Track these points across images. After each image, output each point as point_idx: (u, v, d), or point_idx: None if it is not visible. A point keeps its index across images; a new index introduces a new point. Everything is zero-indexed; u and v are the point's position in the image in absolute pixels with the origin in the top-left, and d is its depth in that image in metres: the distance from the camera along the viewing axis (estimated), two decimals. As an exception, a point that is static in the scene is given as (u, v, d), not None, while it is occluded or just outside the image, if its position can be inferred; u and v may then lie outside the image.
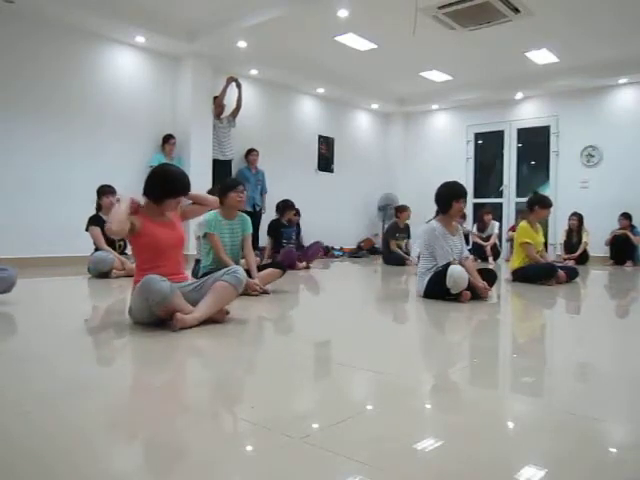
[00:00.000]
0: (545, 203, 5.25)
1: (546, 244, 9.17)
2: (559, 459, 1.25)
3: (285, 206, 7.08)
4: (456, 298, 3.73)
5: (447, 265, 3.70)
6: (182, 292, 2.70)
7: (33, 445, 1.27)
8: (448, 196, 3.93)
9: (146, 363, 2.20)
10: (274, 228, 6.98)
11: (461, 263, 3.85)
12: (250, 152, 7.93)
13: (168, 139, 7.07)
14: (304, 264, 6.63)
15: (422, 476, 1.17)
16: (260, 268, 4.18)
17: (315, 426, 1.44)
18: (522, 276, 5.12)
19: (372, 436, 1.37)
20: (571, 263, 8.07)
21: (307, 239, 8.35)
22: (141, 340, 2.49)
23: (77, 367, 2.08)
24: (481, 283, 3.82)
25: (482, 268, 4.20)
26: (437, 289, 3.75)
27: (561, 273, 5.08)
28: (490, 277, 4.08)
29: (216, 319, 2.78)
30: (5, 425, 1.41)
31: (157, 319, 2.62)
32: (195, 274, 4.30)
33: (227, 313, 2.90)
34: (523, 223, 5.21)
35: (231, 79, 7.45)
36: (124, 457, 1.27)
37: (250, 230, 4.09)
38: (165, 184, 2.75)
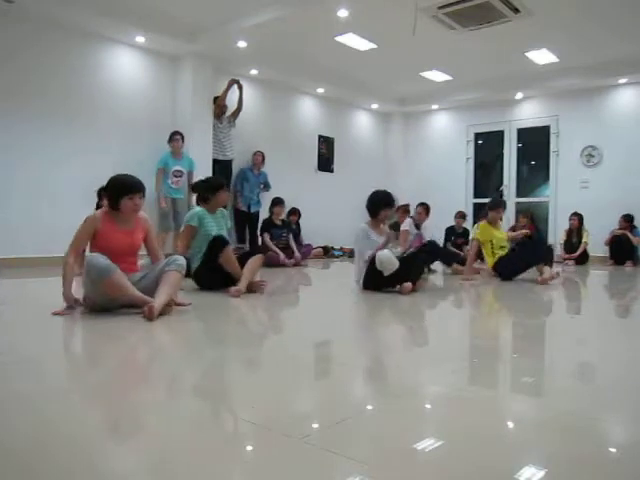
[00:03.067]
0: (491, 205, 5.67)
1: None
2: (559, 459, 1.25)
3: (272, 203, 7.31)
4: (393, 286, 4.08)
5: (374, 257, 4.05)
6: (131, 282, 2.97)
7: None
8: (378, 203, 4.31)
9: (143, 362, 2.20)
10: (265, 228, 7.10)
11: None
12: (255, 153, 7.97)
13: (172, 136, 6.86)
14: (292, 261, 6.90)
15: (422, 476, 1.17)
16: (241, 262, 4.09)
17: (315, 426, 1.44)
18: (505, 271, 5.40)
19: (372, 436, 1.37)
20: (571, 263, 8.10)
21: (307, 239, 8.35)
22: (137, 339, 2.49)
23: (76, 367, 2.08)
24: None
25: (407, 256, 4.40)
26: (373, 282, 4.10)
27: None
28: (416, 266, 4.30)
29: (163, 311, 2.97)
30: None
31: (109, 302, 2.91)
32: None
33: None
34: (483, 223, 5.63)
35: (233, 81, 7.45)
36: (122, 457, 1.27)
37: (229, 224, 4.39)
38: (114, 187, 3.07)
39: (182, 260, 3.17)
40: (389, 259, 4.01)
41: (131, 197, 3.03)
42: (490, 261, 5.53)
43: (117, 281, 2.84)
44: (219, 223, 4.20)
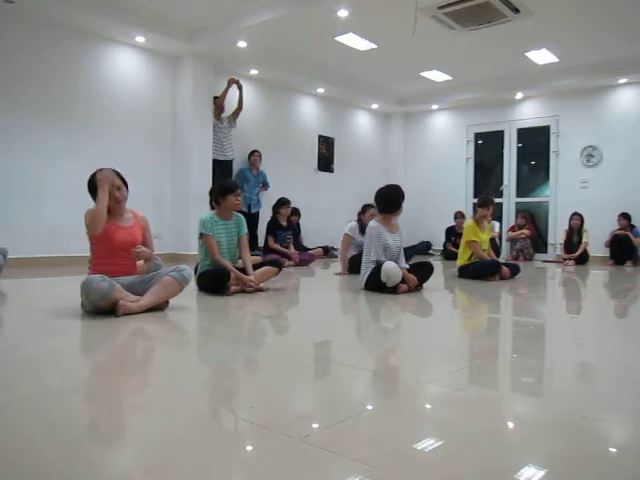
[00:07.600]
0: (482, 202, 5.52)
1: (546, 244, 9.25)
2: (559, 459, 1.25)
3: (277, 203, 7.18)
4: (394, 291, 4.12)
5: (381, 264, 4.10)
6: (132, 284, 3.05)
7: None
8: (397, 197, 4.30)
9: (143, 362, 2.20)
10: (270, 228, 7.03)
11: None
12: (252, 153, 7.95)
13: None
14: (291, 262, 6.82)
15: (422, 476, 1.17)
16: (256, 267, 4.22)
17: (315, 426, 1.44)
18: (467, 273, 5.39)
19: (372, 436, 1.37)
20: (571, 263, 8.09)
21: (307, 239, 8.36)
22: (136, 338, 2.49)
23: (75, 367, 2.07)
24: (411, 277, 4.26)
25: (418, 262, 4.70)
26: (375, 284, 4.14)
27: (505, 270, 5.36)
28: (425, 270, 4.49)
29: (159, 307, 3.09)
30: None
31: (106, 309, 2.87)
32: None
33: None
34: (470, 222, 5.51)
35: (232, 81, 7.45)
36: (122, 457, 1.27)
37: (245, 231, 4.19)
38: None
39: (188, 272, 3.19)
40: (394, 272, 4.06)
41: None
42: (462, 261, 5.47)
43: (118, 299, 2.87)
44: (230, 231, 4.07)
